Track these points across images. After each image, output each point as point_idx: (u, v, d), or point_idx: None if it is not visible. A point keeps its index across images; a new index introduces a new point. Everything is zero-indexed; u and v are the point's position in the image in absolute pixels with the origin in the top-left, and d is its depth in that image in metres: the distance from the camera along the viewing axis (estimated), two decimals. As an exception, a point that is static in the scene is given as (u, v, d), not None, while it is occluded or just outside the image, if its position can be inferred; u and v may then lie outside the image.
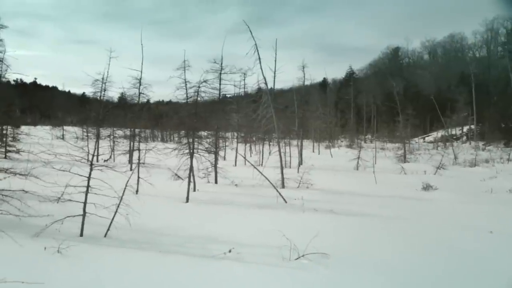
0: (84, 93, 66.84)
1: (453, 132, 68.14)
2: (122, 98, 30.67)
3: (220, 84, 16.85)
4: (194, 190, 14.80)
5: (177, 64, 15.23)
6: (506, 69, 63.41)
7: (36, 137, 45.46)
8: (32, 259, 7.05)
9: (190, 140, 13.40)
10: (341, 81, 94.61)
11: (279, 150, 17.15)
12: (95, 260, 7.10)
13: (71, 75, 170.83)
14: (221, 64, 16.82)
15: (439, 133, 68.63)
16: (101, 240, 8.42)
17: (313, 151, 41.33)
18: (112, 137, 26.09)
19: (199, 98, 13.79)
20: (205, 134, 15.50)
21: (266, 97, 16.20)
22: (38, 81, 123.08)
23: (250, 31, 15.94)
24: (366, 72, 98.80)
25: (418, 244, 8.94)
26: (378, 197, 15.17)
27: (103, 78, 24.17)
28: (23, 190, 9.28)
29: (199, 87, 13.81)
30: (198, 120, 13.50)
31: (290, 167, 24.90)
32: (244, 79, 34.90)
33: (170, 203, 12.79)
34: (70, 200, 8.59)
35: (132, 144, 19.18)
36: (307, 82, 28.45)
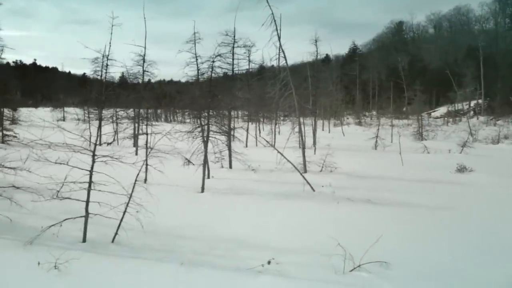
0: (84, 73, 64.86)
1: (460, 107, 66.30)
2: (124, 77, 28.87)
3: (233, 59, 15.00)
4: (208, 177, 13.21)
5: (178, 43, 13.45)
6: (515, 41, 61.13)
7: (37, 120, 44.01)
8: (21, 278, 5.51)
9: (204, 121, 11.70)
10: (344, 57, 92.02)
11: (300, 130, 15.46)
12: (101, 280, 5.55)
13: (71, 56, 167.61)
14: (234, 36, 14.91)
15: (444, 108, 66.83)
16: (108, 246, 6.84)
17: (323, 130, 39.63)
18: (115, 118, 24.38)
19: (213, 74, 12.05)
20: (220, 114, 13.76)
21: (285, 73, 14.42)
22: (38, 62, 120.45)
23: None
24: (370, 48, 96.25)
25: (481, 242, 7.41)
26: (411, 181, 13.58)
27: (103, 56, 22.33)
28: (14, 186, 7.70)
29: (213, 61, 12.06)
30: (212, 99, 11.79)
31: (299, 147, 23.28)
32: (249, 56, 32.70)
33: (184, 194, 11.20)
34: (69, 198, 6.98)
35: (137, 126, 17.57)
36: (309, 59, 26.39)
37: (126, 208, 7.05)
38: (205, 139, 11.59)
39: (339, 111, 47.96)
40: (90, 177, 6.98)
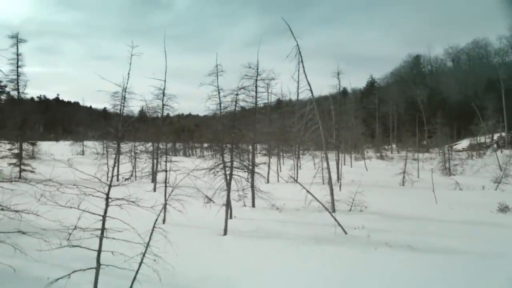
0: (105, 108, 65.64)
1: (482, 140, 64.44)
2: (143, 111, 28.55)
3: (256, 92, 14.29)
4: (231, 217, 12.26)
5: (197, 77, 12.88)
6: (535, 73, 59.86)
7: (56, 155, 43.99)
8: None
9: (226, 157, 10.85)
10: (362, 91, 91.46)
11: (328, 166, 14.43)
12: None
13: (92, 91, 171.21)
14: (257, 69, 14.25)
15: (466, 142, 65.06)
16: (121, 303, 5.91)
17: (344, 164, 38.40)
18: (133, 153, 23.79)
19: (237, 108, 11.31)
20: (243, 149, 12.91)
21: (312, 106, 13.63)
22: (61, 97, 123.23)
23: (291, 30, 13.44)
24: (388, 81, 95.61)
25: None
26: (451, 222, 12.37)
27: (122, 89, 22.03)
28: (20, 231, 6.90)
29: (237, 94, 11.36)
30: (236, 133, 10.98)
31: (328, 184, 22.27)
32: (268, 89, 32.16)
33: (206, 237, 10.23)
34: (79, 247, 6.13)
35: (156, 161, 16.85)
36: (328, 92, 25.67)
37: (142, 259, 6.15)
38: (229, 177, 10.70)
39: (359, 144, 46.77)
40: (103, 223, 6.13)
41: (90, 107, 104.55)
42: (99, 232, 6.15)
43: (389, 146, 68.76)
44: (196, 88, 12.29)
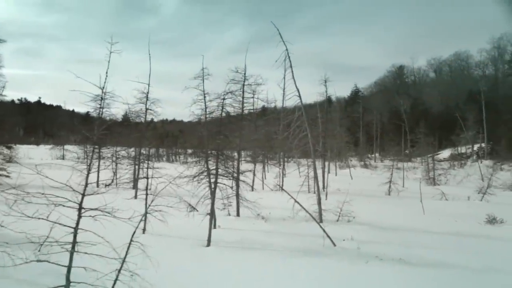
0: (88, 111, 64.42)
1: (462, 151, 65.18)
2: (127, 116, 27.75)
3: (243, 97, 13.74)
4: (215, 226, 11.69)
5: (181, 83, 12.28)
6: (515, 86, 61.08)
7: (35, 159, 42.61)
8: None
9: (211, 164, 10.28)
10: (346, 99, 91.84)
11: (315, 175, 13.97)
12: None
13: (75, 94, 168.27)
14: (244, 74, 13.73)
15: (448, 152, 65.63)
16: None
17: (329, 172, 38.05)
18: (114, 158, 22.95)
19: (223, 113, 10.78)
20: (229, 156, 12.32)
21: (300, 112, 13.20)
22: (43, 100, 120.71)
23: (280, 35, 13.01)
24: (372, 90, 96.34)
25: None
26: (441, 234, 12.03)
27: (102, 90, 21.25)
28: (-18, 243, 6.23)
29: (223, 98, 10.86)
30: (221, 139, 10.43)
31: (314, 192, 21.89)
32: (254, 95, 31.69)
33: (188, 249, 9.63)
34: (47, 262, 5.54)
35: (137, 167, 16.19)
36: (313, 100, 25.29)
37: (117, 276, 5.58)
38: (213, 184, 10.14)
39: (343, 153, 46.63)
40: (75, 236, 5.55)
41: (73, 110, 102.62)
42: (70, 246, 5.57)
43: (373, 155, 68.98)
44: (181, 92, 11.45)
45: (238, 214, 13.84)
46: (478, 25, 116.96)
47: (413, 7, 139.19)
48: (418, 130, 45.31)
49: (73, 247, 5.53)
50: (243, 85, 13.98)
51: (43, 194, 5.44)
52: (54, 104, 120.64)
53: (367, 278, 7.74)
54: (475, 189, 21.04)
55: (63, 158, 46.37)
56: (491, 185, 25.79)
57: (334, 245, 10.06)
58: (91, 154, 24.06)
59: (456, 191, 23.11)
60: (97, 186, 21.06)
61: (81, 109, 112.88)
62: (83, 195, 5.85)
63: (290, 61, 13.16)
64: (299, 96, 13.22)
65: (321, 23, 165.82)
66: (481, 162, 54.11)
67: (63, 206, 5.47)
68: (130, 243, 5.69)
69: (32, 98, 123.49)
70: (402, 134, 62.30)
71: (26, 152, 44.57)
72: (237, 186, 13.40)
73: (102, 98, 21.46)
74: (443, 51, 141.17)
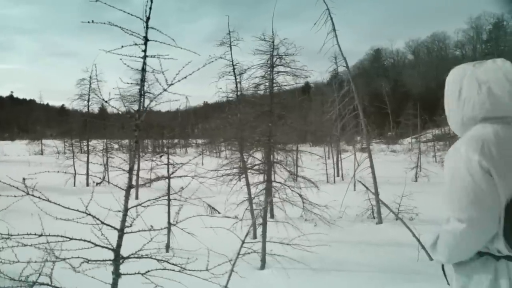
0: (63, 105, 60.00)
1: (447, 132, 64.14)
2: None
3: (272, 72, 10.12)
4: (255, 236, 8.82)
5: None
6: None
7: (11, 155, 38.42)
8: None
9: (261, 155, 7.33)
10: (324, 84, 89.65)
11: (371, 163, 11.12)
12: None
13: (49, 88, 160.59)
14: (273, 41, 10.18)
15: (431, 133, 64.49)
16: None
17: (329, 158, 35.12)
18: (105, 150, 19.55)
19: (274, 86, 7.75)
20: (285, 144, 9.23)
21: (349, 87, 10.38)
22: (15, 95, 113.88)
23: (320, -11, 10.06)
24: (352, 74, 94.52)
25: None
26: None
27: (90, 77, 17.92)
28: None
29: (273, 66, 7.86)
30: (274, 121, 7.35)
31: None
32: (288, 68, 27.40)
33: (238, 275, 6.69)
34: None
35: (138, 159, 13.09)
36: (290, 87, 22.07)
37: None
38: (269, 182, 7.16)
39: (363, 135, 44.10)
40: None
41: (47, 104, 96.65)
42: None
43: (362, 138, 67.06)
44: (202, 66, 8.03)
45: (272, 216, 10.81)
46: (455, 6, 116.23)
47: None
48: (407, 112, 43.41)
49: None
50: (272, 56, 10.73)
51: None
52: (28, 98, 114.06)
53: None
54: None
55: (41, 153, 42.22)
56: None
57: (431, 259, 7.32)
58: (82, 147, 20.65)
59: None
60: (87, 185, 17.74)
61: (56, 102, 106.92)
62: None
63: (333, 23, 10.20)
64: (347, 65, 10.37)
65: (295, 9, 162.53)
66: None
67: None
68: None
69: (4, 93, 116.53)
70: (382, 117, 60.64)
71: (1, 148, 40.46)
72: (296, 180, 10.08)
73: (90, 85, 18.12)
74: (420, 32, 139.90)
